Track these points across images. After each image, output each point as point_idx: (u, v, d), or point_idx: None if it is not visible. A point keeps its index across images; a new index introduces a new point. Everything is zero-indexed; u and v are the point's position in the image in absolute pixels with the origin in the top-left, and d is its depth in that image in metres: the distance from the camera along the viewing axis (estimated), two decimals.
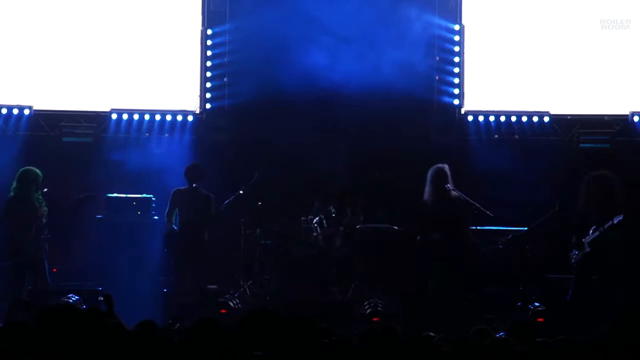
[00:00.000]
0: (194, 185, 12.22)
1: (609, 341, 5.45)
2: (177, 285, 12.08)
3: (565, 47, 13.72)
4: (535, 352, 5.50)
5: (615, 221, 10.80)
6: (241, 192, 12.53)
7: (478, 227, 11.83)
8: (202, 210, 12.14)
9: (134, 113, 13.94)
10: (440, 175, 11.53)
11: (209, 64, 13.98)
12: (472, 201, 11.55)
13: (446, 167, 11.61)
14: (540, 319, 10.74)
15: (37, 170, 11.98)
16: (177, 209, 12.26)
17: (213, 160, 13.65)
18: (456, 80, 13.91)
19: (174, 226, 12.21)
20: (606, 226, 10.88)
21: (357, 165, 13.50)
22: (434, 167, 11.63)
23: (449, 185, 11.54)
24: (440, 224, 11.45)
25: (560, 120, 13.84)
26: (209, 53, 13.96)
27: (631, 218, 10.92)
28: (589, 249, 10.95)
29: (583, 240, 11.07)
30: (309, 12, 13.28)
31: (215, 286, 12.69)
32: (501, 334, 6.58)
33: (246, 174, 12.86)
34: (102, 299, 10.49)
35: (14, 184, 11.97)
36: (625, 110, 13.76)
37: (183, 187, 12.30)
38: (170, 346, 5.32)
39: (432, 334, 6.44)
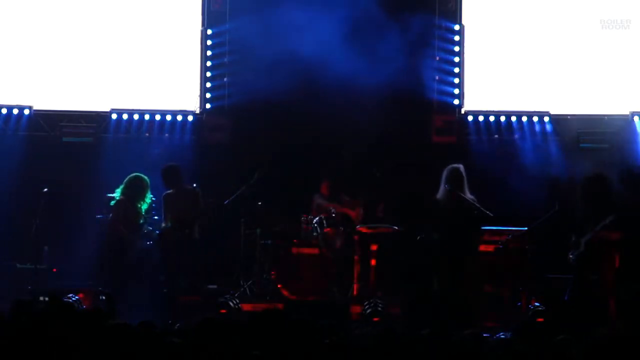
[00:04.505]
0: (175, 184, 12.19)
1: (609, 341, 5.45)
2: (171, 283, 12.02)
3: (565, 47, 13.72)
4: (536, 352, 5.51)
5: (607, 222, 10.81)
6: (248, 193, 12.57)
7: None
8: (191, 206, 12.14)
9: (134, 113, 13.95)
10: (453, 175, 11.50)
11: (209, 64, 13.99)
12: (471, 201, 11.54)
13: (461, 167, 11.56)
14: (540, 319, 10.74)
15: (145, 178, 12.00)
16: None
17: (213, 160, 13.66)
18: (456, 80, 13.92)
19: (167, 225, 12.19)
20: (599, 227, 10.88)
21: (356, 165, 13.49)
22: (449, 166, 11.60)
23: (447, 185, 11.53)
24: (448, 223, 11.45)
25: (560, 120, 13.85)
26: (209, 53, 13.97)
27: (624, 218, 10.90)
28: (584, 249, 10.95)
29: (581, 239, 11.07)
30: (309, 12, 13.28)
31: (215, 286, 12.69)
32: (500, 334, 6.59)
33: (246, 174, 12.86)
34: (103, 297, 10.52)
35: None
36: (625, 110, 13.77)
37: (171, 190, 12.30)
38: (171, 346, 5.33)
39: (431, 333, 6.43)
